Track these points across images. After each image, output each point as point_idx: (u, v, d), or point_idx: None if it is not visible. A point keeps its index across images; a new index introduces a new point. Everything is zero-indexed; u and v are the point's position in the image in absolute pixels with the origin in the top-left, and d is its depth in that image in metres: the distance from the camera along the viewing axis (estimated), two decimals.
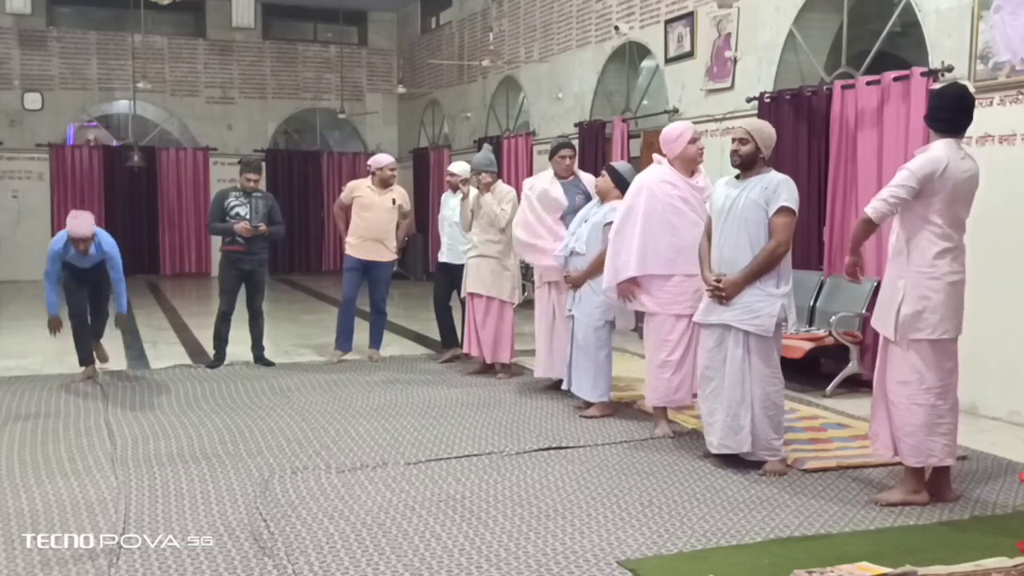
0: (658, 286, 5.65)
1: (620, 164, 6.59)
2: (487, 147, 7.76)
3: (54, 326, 7.03)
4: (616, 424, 6.03)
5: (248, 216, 7.75)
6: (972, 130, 6.28)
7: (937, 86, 5.98)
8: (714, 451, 5.06)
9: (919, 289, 4.33)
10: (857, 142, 7.20)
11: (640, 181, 5.75)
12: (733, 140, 4.99)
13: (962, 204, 4.40)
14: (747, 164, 4.91)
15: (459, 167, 8.19)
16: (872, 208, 4.38)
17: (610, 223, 6.12)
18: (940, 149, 4.37)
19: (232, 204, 7.79)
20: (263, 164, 8.83)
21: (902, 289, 4.36)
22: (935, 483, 4.52)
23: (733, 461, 5.08)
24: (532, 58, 12.63)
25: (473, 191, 7.48)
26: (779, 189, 4.82)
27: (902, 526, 4.17)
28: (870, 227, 4.44)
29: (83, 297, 7.25)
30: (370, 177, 8.30)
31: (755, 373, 4.88)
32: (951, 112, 4.43)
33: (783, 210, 4.79)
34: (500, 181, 7.58)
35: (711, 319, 4.99)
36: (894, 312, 4.37)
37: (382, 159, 8.40)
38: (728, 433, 4.95)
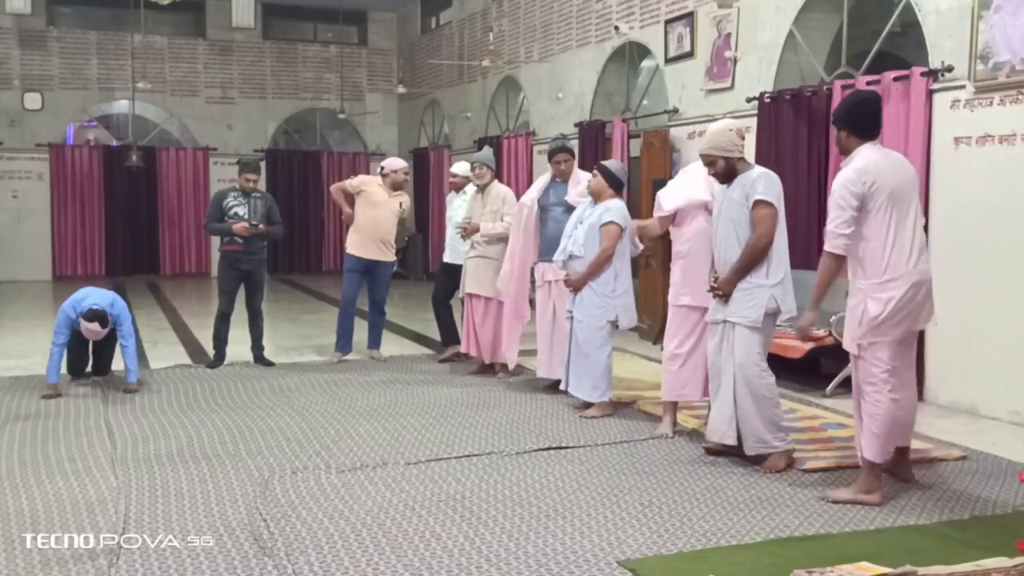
0: (677, 271, 5.74)
1: (612, 163, 6.53)
2: (488, 148, 7.81)
3: (51, 395, 6.64)
4: (616, 424, 6.03)
5: (247, 216, 7.75)
6: (972, 130, 6.35)
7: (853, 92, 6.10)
8: (714, 440, 5.14)
9: (882, 294, 4.41)
10: None
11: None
12: (706, 164, 5.14)
13: (906, 203, 4.45)
14: (730, 175, 5.02)
15: (461, 167, 8.21)
16: (831, 245, 4.43)
17: (606, 224, 6.13)
18: (866, 158, 4.44)
19: (231, 204, 7.79)
20: (262, 164, 8.82)
21: (862, 301, 4.46)
22: (896, 463, 4.72)
23: (733, 460, 5.08)
24: (532, 58, 12.63)
25: (471, 189, 7.59)
26: (756, 184, 4.91)
27: (902, 526, 4.17)
28: (839, 261, 4.46)
29: (84, 350, 7.25)
30: (382, 178, 8.31)
31: (737, 364, 4.93)
32: (878, 117, 4.59)
33: (759, 203, 4.88)
34: (496, 181, 7.60)
35: (716, 317, 5.08)
36: (857, 321, 4.49)
37: (397, 163, 8.42)
38: (721, 424, 5.03)
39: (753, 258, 4.89)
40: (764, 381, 4.97)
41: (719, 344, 5.05)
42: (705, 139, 5.16)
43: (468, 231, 7.41)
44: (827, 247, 4.46)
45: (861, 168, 4.42)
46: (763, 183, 4.90)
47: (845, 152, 4.59)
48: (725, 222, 5.01)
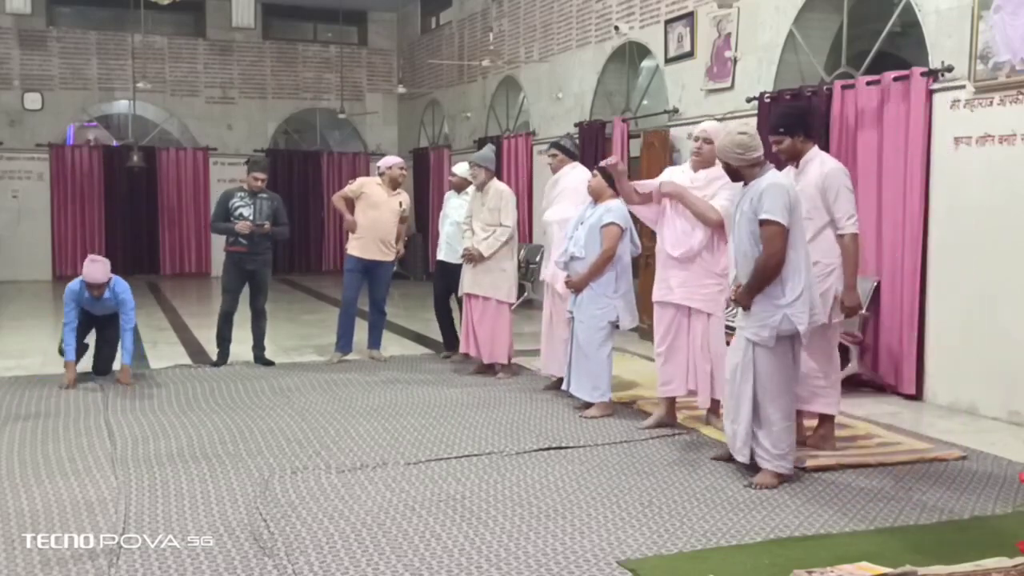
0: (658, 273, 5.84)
1: None
2: (490, 146, 7.80)
3: (70, 377, 6.95)
4: (616, 424, 6.03)
5: (251, 217, 7.75)
6: (972, 130, 6.35)
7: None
8: (736, 457, 4.91)
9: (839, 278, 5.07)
10: (857, 142, 7.20)
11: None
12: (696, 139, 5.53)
13: None
14: (737, 179, 4.82)
15: (461, 168, 8.22)
16: (856, 226, 5.07)
17: (606, 224, 6.13)
18: (829, 156, 5.22)
19: (236, 205, 7.79)
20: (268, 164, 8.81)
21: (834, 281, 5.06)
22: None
23: (734, 463, 5.07)
24: (532, 58, 12.63)
25: (472, 189, 7.65)
26: (762, 199, 4.61)
27: (902, 526, 4.18)
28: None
29: (88, 329, 7.30)
30: (380, 177, 8.31)
31: (760, 383, 4.72)
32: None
33: (764, 223, 4.60)
34: (495, 179, 7.59)
35: (739, 327, 4.89)
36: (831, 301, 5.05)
37: (392, 159, 8.41)
38: (736, 440, 4.83)
39: (763, 278, 4.62)
40: (785, 401, 4.73)
41: (743, 355, 4.81)
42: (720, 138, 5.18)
43: (473, 258, 7.39)
44: (854, 229, 5.04)
45: (841, 164, 5.19)
46: (768, 198, 4.57)
47: (795, 156, 5.09)
48: (738, 231, 4.78)
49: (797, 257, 4.63)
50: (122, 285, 7.06)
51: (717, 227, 5.56)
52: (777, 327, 4.64)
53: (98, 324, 7.34)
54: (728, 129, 5.01)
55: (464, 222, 7.70)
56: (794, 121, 5.07)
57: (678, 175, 5.78)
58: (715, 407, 5.85)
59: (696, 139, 5.72)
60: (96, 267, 6.87)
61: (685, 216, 5.61)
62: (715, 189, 5.58)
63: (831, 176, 5.00)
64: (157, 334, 9.95)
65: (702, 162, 5.67)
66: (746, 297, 4.73)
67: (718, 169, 5.42)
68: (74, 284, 6.99)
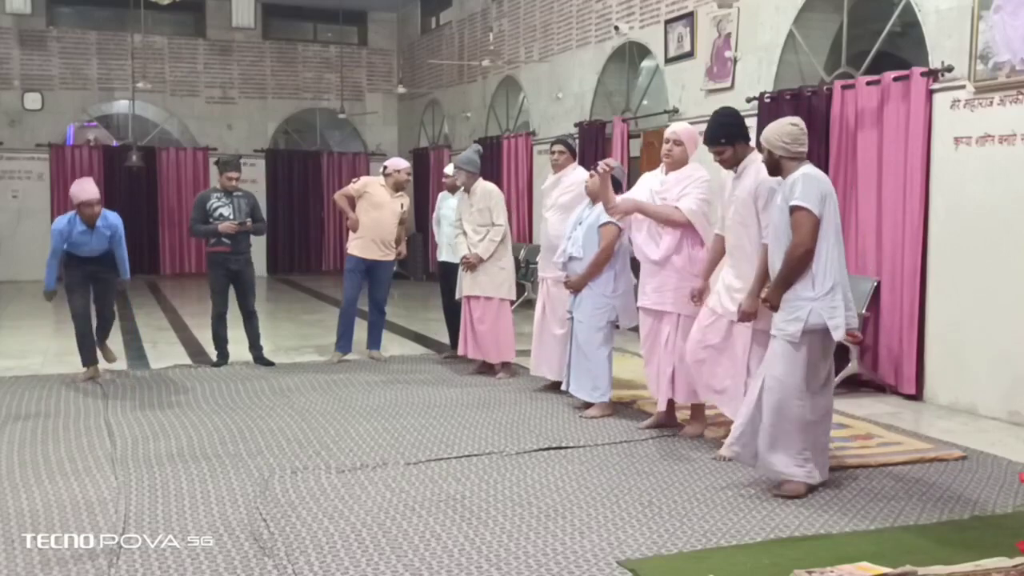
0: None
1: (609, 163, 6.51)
2: (474, 147, 7.77)
3: (49, 298, 7.26)
4: (616, 424, 6.03)
5: (232, 216, 7.78)
6: (972, 130, 6.35)
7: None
8: (726, 454, 4.88)
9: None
10: (857, 142, 7.20)
11: None
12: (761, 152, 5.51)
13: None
14: (775, 172, 4.72)
15: (453, 169, 8.23)
16: None
17: (604, 224, 6.13)
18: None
19: (215, 206, 7.82)
20: (241, 162, 8.82)
21: None
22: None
23: (735, 463, 5.07)
24: (532, 58, 12.64)
25: (460, 193, 7.70)
26: (794, 187, 4.51)
27: (902, 526, 4.18)
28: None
29: (87, 296, 7.24)
30: (384, 178, 8.31)
31: (771, 379, 4.57)
32: None
33: (793, 209, 4.47)
34: (481, 179, 7.57)
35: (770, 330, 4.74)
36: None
37: (400, 162, 8.41)
38: (736, 439, 4.71)
39: (791, 268, 4.46)
40: (797, 410, 4.51)
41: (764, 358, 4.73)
42: (680, 126, 5.33)
43: (471, 265, 7.39)
44: None
45: None
46: (801, 186, 4.45)
47: (736, 163, 5.11)
48: (778, 229, 4.61)
49: (828, 250, 4.47)
50: (113, 214, 7.18)
51: (686, 228, 5.58)
52: (806, 320, 4.46)
53: (91, 284, 7.26)
54: (777, 121, 4.80)
55: (455, 224, 7.71)
56: (735, 131, 5.06)
57: (651, 179, 5.81)
58: (696, 412, 5.79)
59: (666, 141, 5.71)
60: (85, 186, 6.97)
61: (651, 221, 5.69)
62: (683, 188, 5.60)
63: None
64: (157, 334, 9.96)
65: (673, 164, 5.68)
66: (776, 293, 4.54)
67: (689, 169, 5.66)
68: (59, 223, 7.01)
